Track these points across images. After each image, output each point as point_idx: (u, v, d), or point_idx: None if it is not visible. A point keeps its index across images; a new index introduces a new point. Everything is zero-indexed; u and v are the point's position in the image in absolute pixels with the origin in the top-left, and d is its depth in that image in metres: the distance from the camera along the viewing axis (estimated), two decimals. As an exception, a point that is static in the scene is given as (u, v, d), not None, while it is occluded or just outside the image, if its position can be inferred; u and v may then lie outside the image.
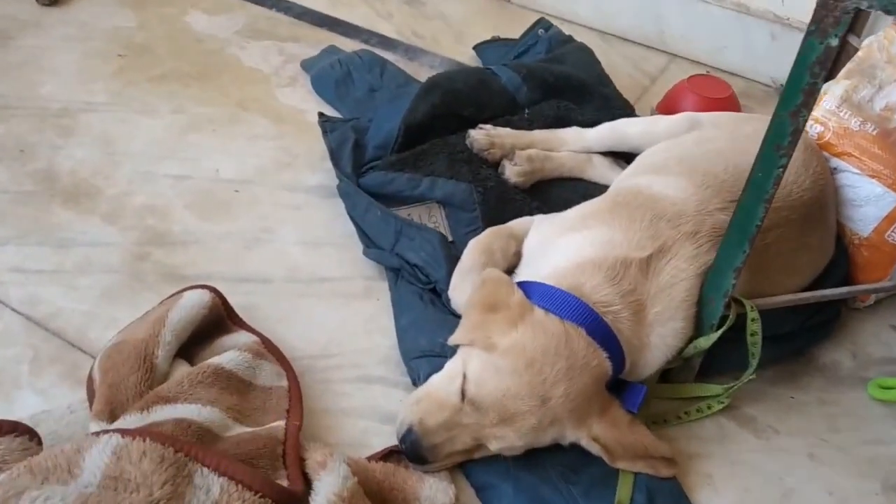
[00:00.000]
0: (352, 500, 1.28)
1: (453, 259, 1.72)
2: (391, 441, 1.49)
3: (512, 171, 1.96)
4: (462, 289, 1.66)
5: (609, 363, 1.43)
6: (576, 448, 1.45)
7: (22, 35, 2.37)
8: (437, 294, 1.71)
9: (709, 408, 1.64)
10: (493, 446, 1.41)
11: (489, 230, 1.73)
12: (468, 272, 1.67)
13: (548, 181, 2.02)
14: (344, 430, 1.54)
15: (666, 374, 1.63)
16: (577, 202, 1.69)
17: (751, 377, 1.56)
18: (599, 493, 1.45)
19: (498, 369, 1.38)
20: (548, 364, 1.38)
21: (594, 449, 1.43)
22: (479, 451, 1.45)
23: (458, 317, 1.61)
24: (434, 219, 1.90)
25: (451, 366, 1.47)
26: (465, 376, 1.41)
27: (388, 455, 1.48)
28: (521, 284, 1.51)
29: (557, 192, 1.99)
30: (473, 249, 1.69)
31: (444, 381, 1.45)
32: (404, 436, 1.42)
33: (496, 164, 1.99)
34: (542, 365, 1.38)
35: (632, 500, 1.45)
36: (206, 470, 1.21)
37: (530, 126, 2.08)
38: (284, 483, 1.28)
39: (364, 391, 1.61)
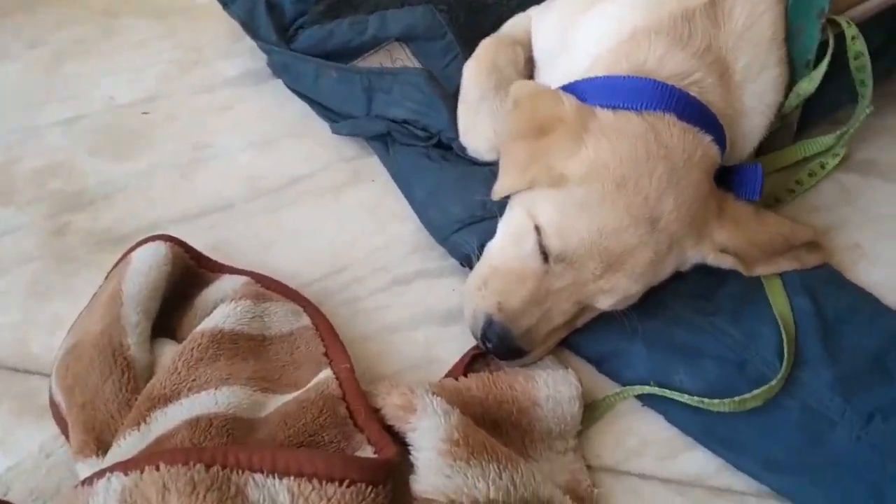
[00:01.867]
0: (467, 440, 0.92)
1: (450, 97, 1.31)
2: (466, 344, 1.12)
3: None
4: (479, 128, 1.26)
5: (715, 147, 1.06)
6: (698, 271, 1.09)
7: None
8: (445, 147, 1.31)
9: (822, 167, 1.30)
10: (604, 303, 1.05)
11: (483, 44, 1.32)
12: (479, 104, 1.27)
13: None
14: (399, 352, 1.18)
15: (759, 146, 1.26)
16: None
17: (867, 110, 1.21)
18: (750, 313, 1.12)
19: (581, 204, 1.01)
20: (644, 175, 1.01)
21: (726, 262, 1.09)
22: (584, 316, 1.10)
23: (485, 165, 1.21)
24: (399, 63, 1.47)
25: (511, 224, 1.10)
26: (537, 229, 1.03)
27: (471, 363, 1.11)
28: (564, 90, 1.11)
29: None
30: (475, 73, 1.28)
31: (509, 247, 1.08)
32: (485, 330, 1.06)
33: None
34: (638, 178, 1.01)
35: (793, 307, 1.10)
36: (259, 476, 0.84)
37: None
38: (370, 453, 0.91)
39: (404, 296, 1.25)
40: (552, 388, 1.05)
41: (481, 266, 1.13)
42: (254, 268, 1.22)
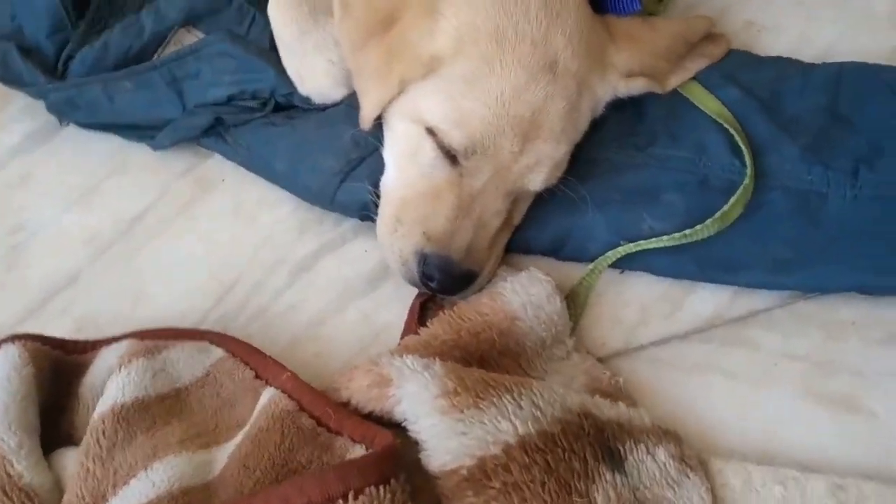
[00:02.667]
0: (464, 383, 0.74)
1: (268, 51, 1.12)
2: (407, 297, 0.94)
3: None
4: (313, 67, 1.08)
5: (577, -38, 0.92)
6: (613, 112, 0.97)
7: None
8: (287, 107, 1.11)
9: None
10: (535, 181, 0.91)
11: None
12: (301, 40, 1.08)
13: None
14: (339, 340, 1.00)
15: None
16: None
17: None
18: (686, 128, 1.02)
19: (467, 79, 0.86)
20: (519, 18, 0.87)
21: (637, 86, 0.96)
22: (518, 208, 0.94)
23: (337, 105, 1.03)
24: (195, 51, 1.25)
25: (398, 142, 0.93)
26: (430, 132, 0.87)
27: (422, 313, 0.93)
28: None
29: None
30: (282, 8, 1.09)
31: (407, 168, 0.91)
32: (422, 269, 0.88)
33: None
34: (515, 24, 0.86)
35: (724, 102, 0.99)
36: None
37: None
38: (361, 451, 0.72)
39: (314, 282, 1.06)
40: (523, 293, 0.89)
41: (385, 205, 0.95)
42: (131, 327, 1.00)
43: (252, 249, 1.09)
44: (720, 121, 0.97)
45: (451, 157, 0.89)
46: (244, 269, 1.07)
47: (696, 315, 0.93)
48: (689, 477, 0.79)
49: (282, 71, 1.09)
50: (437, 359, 0.79)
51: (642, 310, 0.94)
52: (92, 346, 0.99)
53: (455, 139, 0.87)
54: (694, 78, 1.03)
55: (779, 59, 1.06)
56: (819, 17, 1.12)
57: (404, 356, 0.79)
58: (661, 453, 0.79)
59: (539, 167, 0.90)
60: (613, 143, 0.99)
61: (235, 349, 0.93)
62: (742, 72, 1.03)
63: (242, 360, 0.91)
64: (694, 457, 0.80)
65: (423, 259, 0.89)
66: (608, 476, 0.75)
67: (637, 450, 0.78)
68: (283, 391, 0.82)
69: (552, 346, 0.89)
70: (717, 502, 0.79)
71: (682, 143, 0.97)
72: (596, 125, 0.97)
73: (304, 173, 1.06)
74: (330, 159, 1.04)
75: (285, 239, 1.08)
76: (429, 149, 0.89)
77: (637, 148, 0.98)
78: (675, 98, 1.01)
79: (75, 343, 0.99)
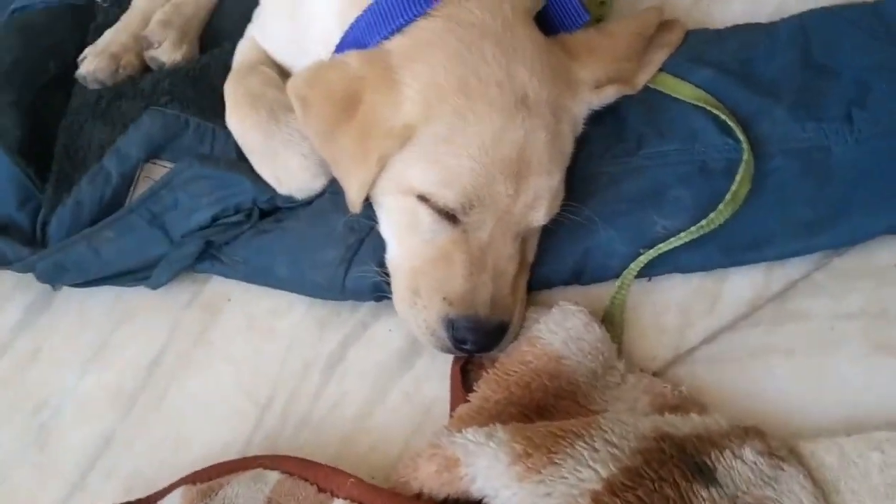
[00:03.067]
0: (533, 442, 0.72)
1: (238, 161, 1.11)
2: (445, 366, 0.91)
3: (164, 53, 1.31)
4: (287, 165, 1.07)
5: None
6: (592, 128, 0.95)
7: None
8: (271, 212, 1.10)
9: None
10: (539, 216, 0.89)
11: (228, 89, 1.12)
12: (268, 143, 1.07)
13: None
14: (389, 427, 0.98)
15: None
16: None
17: None
18: (669, 119, 1.01)
19: (446, 138, 0.85)
20: (478, 65, 0.86)
21: (609, 94, 0.96)
22: (529, 245, 0.92)
23: (322, 196, 1.02)
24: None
25: (393, 216, 0.92)
26: (422, 199, 0.85)
27: (465, 376, 0.90)
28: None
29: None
30: (240, 118, 1.08)
31: (409, 239, 0.90)
32: (454, 334, 0.86)
33: (144, 69, 1.33)
34: (477, 73, 0.85)
35: (698, 85, 0.97)
36: None
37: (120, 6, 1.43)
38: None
39: (347, 374, 1.03)
40: (560, 330, 0.87)
41: (398, 280, 0.94)
42: (180, 473, 0.97)
43: (277, 360, 1.06)
44: (700, 104, 0.95)
45: (450, 217, 0.87)
46: (276, 383, 1.05)
47: (736, 302, 0.90)
48: (783, 469, 0.75)
49: (257, 178, 1.08)
50: (496, 424, 0.76)
51: (681, 312, 0.92)
52: (146, 501, 0.96)
53: (449, 199, 0.85)
54: (661, 69, 1.01)
55: (737, 28, 1.05)
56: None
57: (463, 431, 0.76)
58: (749, 453, 0.76)
59: (538, 202, 0.88)
60: (605, 155, 0.98)
61: (291, 467, 0.90)
62: (706, 50, 1.02)
63: (301, 477, 0.88)
64: (782, 447, 0.77)
65: (451, 324, 0.87)
66: (703, 493, 0.72)
67: (724, 457, 0.75)
68: (351, 498, 0.79)
69: (604, 374, 0.86)
70: (819, 485, 0.76)
71: (671, 136, 0.96)
72: (581, 143, 0.96)
73: (308, 271, 1.04)
74: (330, 251, 1.02)
75: (307, 340, 1.06)
76: (426, 215, 0.88)
77: (628, 154, 0.97)
78: (650, 94, 1.00)
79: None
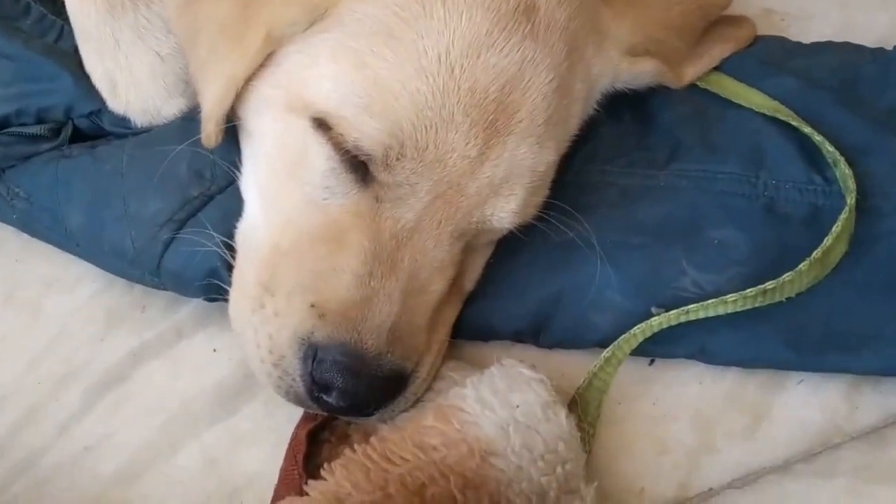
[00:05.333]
0: None
1: (63, 54, 0.73)
2: (286, 422, 0.53)
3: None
4: (130, 66, 0.70)
5: None
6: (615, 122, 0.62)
7: None
8: (89, 136, 0.73)
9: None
10: (503, 208, 0.57)
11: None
12: (110, 24, 0.69)
13: None
14: (168, 497, 0.56)
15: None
16: None
17: None
18: (726, 130, 0.67)
19: (387, 31, 0.52)
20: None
21: (645, 70, 0.66)
22: (474, 258, 0.55)
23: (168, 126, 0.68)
24: None
25: (266, 151, 0.57)
26: (322, 124, 0.51)
27: (312, 445, 0.52)
28: None
29: None
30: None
31: (281, 193, 0.58)
32: (313, 371, 0.50)
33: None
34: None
35: (773, 96, 0.64)
36: None
37: None
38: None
39: (121, 408, 0.67)
40: (499, 406, 0.49)
41: (246, 265, 0.57)
42: None
43: (29, 357, 0.70)
44: (781, 116, 0.62)
45: (359, 168, 0.50)
46: (14, 390, 0.66)
47: (795, 429, 0.54)
48: None
49: (85, 78, 0.70)
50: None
51: (700, 426, 0.55)
52: None
53: (367, 133, 0.50)
54: (718, 68, 0.68)
55: (833, 44, 0.73)
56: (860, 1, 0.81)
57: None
58: None
59: (511, 186, 0.53)
60: (617, 160, 0.63)
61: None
62: (789, 59, 0.70)
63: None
64: None
65: (313, 353, 0.50)
66: None
67: None
68: None
69: (557, 500, 0.48)
70: None
71: (726, 152, 0.63)
72: (586, 132, 0.61)
73: (111, 227, 0.67)
74: (154, 201, 0.66)
75: (82, 338, 0.69)
76: (319, 157, 0.53)
77: (654, 165, 0.63)
78: (699, 94, 0.67)
79: None
